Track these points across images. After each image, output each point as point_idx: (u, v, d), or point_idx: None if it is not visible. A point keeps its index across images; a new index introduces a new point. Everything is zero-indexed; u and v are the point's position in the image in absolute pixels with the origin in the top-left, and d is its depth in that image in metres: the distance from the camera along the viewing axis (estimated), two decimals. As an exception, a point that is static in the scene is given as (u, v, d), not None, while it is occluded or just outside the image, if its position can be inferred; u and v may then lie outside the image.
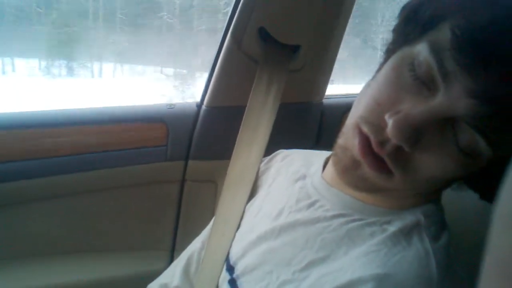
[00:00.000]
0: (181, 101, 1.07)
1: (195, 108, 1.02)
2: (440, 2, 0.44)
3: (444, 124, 0.41)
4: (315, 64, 0.97)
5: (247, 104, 0.85)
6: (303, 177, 0.63)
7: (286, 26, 0.88)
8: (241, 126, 0.83)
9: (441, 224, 0.51)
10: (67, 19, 2.56)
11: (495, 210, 0.19)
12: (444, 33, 0.40)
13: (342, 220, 0.52)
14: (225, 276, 0.62)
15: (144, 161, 0.99)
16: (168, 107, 1.03)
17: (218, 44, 0.95)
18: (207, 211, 1.01)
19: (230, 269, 0.61)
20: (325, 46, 0.95)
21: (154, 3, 2.74)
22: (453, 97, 0.39)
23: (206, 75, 1.02)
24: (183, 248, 0.78)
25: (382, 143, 0.44)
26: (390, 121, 0.42)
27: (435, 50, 0.41)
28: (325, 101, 1.08)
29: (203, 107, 1.00)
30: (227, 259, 0.63)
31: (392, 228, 0.49)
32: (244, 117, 0.84)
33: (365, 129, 0.45)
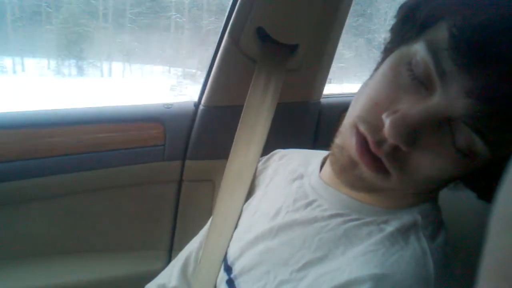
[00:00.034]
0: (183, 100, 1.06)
1: (192, 107, 1.02)
2: (437, 2, 0.44)
3: (442, 124, 0.41)
4: (313, 63, 0.97)
5: (245, 104, 0.85)
6: (301, 176, 0.63)
7: (284, 25, 0.88)
8: (238, 126, 0.83)
9: (438, 224, 0.51)
10: (76, 19, 2.58)
11: (494, 211, 0.19)
12: (441, 33, 0.40)
13: (339, 219, 0.52)
14: (223, 276, 0.62)
15: (141, 160, 0.99)
16: (165, 106, 1.02)
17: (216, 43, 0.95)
18: (205, 211, 1.01)
19: (228, 269, 0.60)
20: (323, 46, 0.95)
21: (164, 3, 2.75)
22: (450, 97, 0.39)
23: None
24: (181, 248, 0.78)
25: (379, 143, 0.44)
26: (387, 121, 0.42)
27: (433, 50, 0.41)
28: (323, 100, 1.08)
29: (201, 106, 1.00)
30: (224, 259, 0.63)
31: (389, 228, 0.49)
32: (241, 116, 0.84)
33: (362, 128, 0.45)
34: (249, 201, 0.71)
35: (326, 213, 0.53)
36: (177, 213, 1.05)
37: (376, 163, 0.45)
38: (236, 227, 0.68)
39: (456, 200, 0.56)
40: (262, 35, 0.88)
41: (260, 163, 0.76)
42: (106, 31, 2.75)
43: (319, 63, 0.98)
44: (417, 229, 0.48)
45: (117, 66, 3.04)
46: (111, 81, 2.96)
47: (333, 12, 0.89)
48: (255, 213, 0.65)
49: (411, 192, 0.50)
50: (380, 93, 0.45)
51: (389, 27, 0.51)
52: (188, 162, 1.01)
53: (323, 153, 0.64)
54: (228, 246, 0.65)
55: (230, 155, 0.81)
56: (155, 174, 1.01)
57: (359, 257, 0.47)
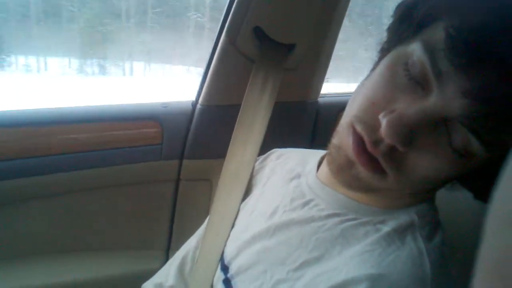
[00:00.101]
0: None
1: (190, 106, 1.01)
2: (434, 1, 0.44)
3: (438, 124, 0.41)
4: (310, 62, 0.97)
5: (242, 103, 0.85)
6: (298, 176, 0.62)
7: (281, 25, 0.88)
8: (236, 125, 0.83)
9: (435, 224, 0.51)
10: (100, 18, 2.60)
11: (489, 211, 0.19)
12: (438, 33, 0.40)
13: (336, 219, 0.52)
14: (219, 275, 0.62)
15: (138, 160, 0.98)
16: (163, 105, 1.02)
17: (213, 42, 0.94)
18: (202, 210, 1.01)
19: (225, 268, 0.60)
20: (320, 45, 0.95)
21: (184, 2, 2.75)
22: (447, 97, 0.39)
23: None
24: (178, 247, 0.78)
25: (376, 142, 0.44)
26: (384, 121, 0.42)
27: (429, 50, 0.41)
28: (320, 99, 1.08)
29: (198, 105, 0.99)
30: (221, 258, 0.63)
31: (386, 228, 0.49)
32: (239, 115, 0.83)
33: (359, 128, 0.45)
34: (246, 200, 0.71)
35: (323, 212, 0.53)
36: (174, 212, 1.05)
37: (372, 163, 0.44)
38: (233, 226, 0.67)
39: (453, 200, 0.56)
40: (259, 35, 0.88)
41: (257, 162, 0.76)
42: (128, 30, 2.76)
43: (317, 63, 0.98)
44: (413, 229, 0.48)
45: (138, 65, 3.08)
46: (132, 80, 2.99)
47: (330, 12, 0.89)
48: (252, 212, 0.65)
49: (408, 192, 0.50)
50: (377, 93, 0.45)
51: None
52: (185, 161, 1.01)
53: (320, 153, 0.64)
54: (225, 246, 0.65)
55: (227, 154, 0.81)
56: (153, 173, 1.01)
57: (356, 257, 0.47)
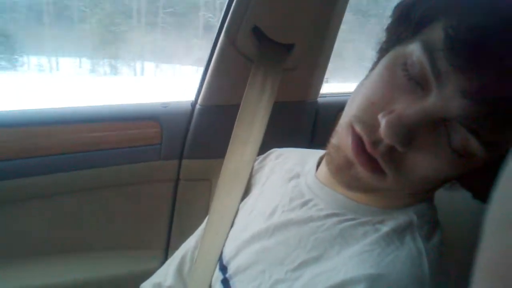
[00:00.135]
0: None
1: (189, 106, 1.01)
2: (433, 1, 0.43)
3: (437, 124, 0.41)
4: (309, 62, 0.97)
5: (242, 103, 0.85)
6: (297, 176, 0.62)
7: (281, 24, 0.88)
8: (235, 125, 0.83)
9: (434, 224, 0.51)
10: (111, 19, 2.61)
11: (488, 212, 0.19)
12: (437, 33, 0.40)
13: (335, 219, 0.52)
14: (218, 275, 0.61)
15: (138, 160, 0.98)
16: (162, 105, 1.02)
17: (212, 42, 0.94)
18: (201, 210, 1.01)
19: (223, 268, 0.60)
20: (319, 45, 0.95)
21: (195, 2, 2.75)
22: (446, 98, 0.39)
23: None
24: (177, 247, 0.78)
25: (375, 143, 0.43)
26: (383, 121, 0.42)
27: (428, 50, 0.40)
28: (319, 99, 1.08)
29: (197, 106, 0.99)
30: (220, 258, 0.63)
31: (385, 228, 0.49)
32: (238, 115, 0.83)
33: (358, 128, 0.45)
34: (245, 200, 0.71)
35: (322, 212, 0.53)
36: (173, 212, 1.05)
37: (371, 163, 0.44)
38: (232, 226, 0.67)
39: (452, 200, 0.56)
40: (259, 35, 0.88)
41: (257, 162, 0.76)
42: (139, 30, 2.77)
43: (316, 62, 0.98)
44: (412, 229, 0.48)
45: (149, 65, 3.09)
46: (143, 80, 3.01)
47: (329, 11, 0.89)
48: (251, 212, 0.65)
49: (407, 192, 0.50)
50: (376, 93, 0.45)
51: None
52: (185, 161, 1.01)
53: (319, 153, 0.64)
54: (224, 245, 0.65)
55: (226, 154, 0.81)
56: (152, 173, 1.01)
57: (355, 257, 0.47)
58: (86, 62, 3.01)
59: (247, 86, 0.86)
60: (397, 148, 0.42)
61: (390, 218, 0.50)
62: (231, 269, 0.58)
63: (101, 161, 0.96)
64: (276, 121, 0.85)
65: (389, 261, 0.45)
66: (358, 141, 0.45)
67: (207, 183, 1.03)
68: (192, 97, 1.03)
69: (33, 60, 2.88)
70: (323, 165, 0.58)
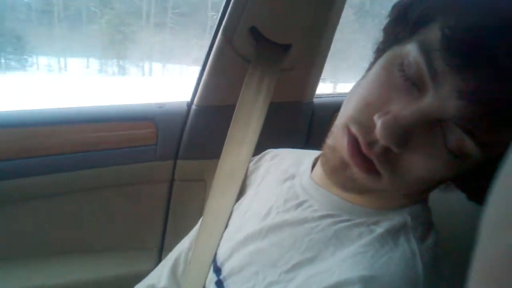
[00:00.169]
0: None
1: (185, 107, 1.01)
2: (430, 2, 0.43)
3: (433, 125, 0.41)
4: (306, 63, 0.96)
5: (237, 103, 0.84)
6: (292, 177, 0.62)
7: (277, 25, 0.87)
8: (231, 125, 0.83)
9: (428, 225, 0.51)
10: (121, 19, 2.62)
11: (484, 214, 0.19)
12: (434, 33, 0.40)
13: (330, 220, 0.52)
14: (212, 277, 0.61)
15: (133, 160, 0.98)
16: (158, 106, 1.02)
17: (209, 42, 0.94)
18: (196, 211, 1.01)
19: (217, 270, 0.60)
20: (316, 46, 0.94)
21: (203, 3, 2.76)
22: (442, 98, 0.39)
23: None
24: (172, 248, 0.77)
25: (371, 144, 0.43)
26: (379, 122, 0.41)
27: (425, 50, 0.40)
28: (315, 100, 1.08)
29: (193, 106, 0.99)
30: (214, 260, 0.63)
31: (379, 229, 0.48)
32: (234, 116, 0.83)
33: (354, 129, 0.45)
34: (240, 200, 0.70)
35: (317, 214, 0.53)
36: (168, 213, 1.05)
37: (367, 164, 0.44)
38: (226, 227, 0.67)
39: (447, 201, 0.56)
40: (255, 35, 0.88)
41: (252, 162, 0.76)
42: (147, 31, 2.78)
43: (313, 63, 0.97)
44: (407, 231, 0.48)
45: (157, 65, 3.10)
46: (151, 80, 3.01)
47: (326, 12, 0.89)
48: (246, 212, 0.65)
49: (402, 193, 0.50)
50: (372, 93, 0.44)
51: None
52: (180, 162, 1.01)
53: (315, 153, 0.63)
54: (218, 246, 0.64)
55: (222, 155, 0.80)
56: (147, 174, 1.00)
57: (349, 259, 0.46)
58: (94, 62, 3.02)
59: (243, 86, 0.86)
60: (392, 149, 0.42)
61: (385, 219, 0.49)
62: (225, 271, 0.58)
63: (96, 162, 0.95)
64: (271, 121, 0.85)
65: (383, 262, 0.45)
66: (354, 142, 0.44)
67: (202, 184, 1.03)
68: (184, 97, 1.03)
69: (42, 60, 2.90)
70: (318, 166, 0.57)
